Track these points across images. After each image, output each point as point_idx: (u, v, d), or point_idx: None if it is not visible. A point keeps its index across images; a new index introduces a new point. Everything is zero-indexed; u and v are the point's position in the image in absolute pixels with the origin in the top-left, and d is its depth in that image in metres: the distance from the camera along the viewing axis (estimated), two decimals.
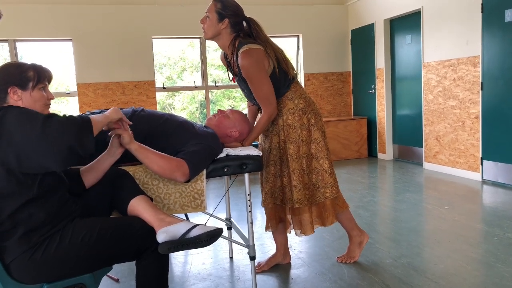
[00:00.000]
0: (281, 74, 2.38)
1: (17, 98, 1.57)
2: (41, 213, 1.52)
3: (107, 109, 1.78)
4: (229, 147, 2.32)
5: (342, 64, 7.16)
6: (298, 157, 2.42)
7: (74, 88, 6.05)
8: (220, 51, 2.59)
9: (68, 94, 6.13)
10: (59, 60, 6.56)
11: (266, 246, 3.07)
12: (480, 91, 4.64)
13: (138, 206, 1.75)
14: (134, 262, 1.71)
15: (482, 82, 4.62)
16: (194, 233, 1.68)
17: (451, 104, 5.10)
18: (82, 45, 5.92)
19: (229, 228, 2.95)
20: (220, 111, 2.38)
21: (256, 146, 2.61)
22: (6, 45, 5.77)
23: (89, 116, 1.59)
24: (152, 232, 1.67)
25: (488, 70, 4.54)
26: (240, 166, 2.10)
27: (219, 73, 8.21)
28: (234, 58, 2.37)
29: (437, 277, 2.42)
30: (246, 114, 2.54)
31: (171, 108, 8.82)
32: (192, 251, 3.02)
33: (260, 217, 3.76)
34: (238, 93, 8.71)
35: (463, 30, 4.83)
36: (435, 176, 5.14)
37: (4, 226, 1.50)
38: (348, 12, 7.08)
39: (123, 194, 1.78)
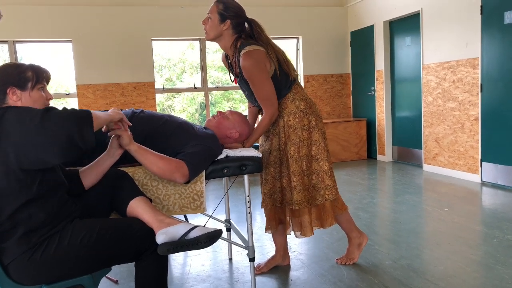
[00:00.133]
0: (282, 76, 2.39)
1: (16, 98, 1.58)
2: (41, 214, 1.52)
3: (107, 111, 1.78)
4: (229, 148, 2.31)
5: (342, 66, 7.17)
6: (299, 159, 2.42)
7: (73, 89, 6.05)
8: (221, 53, 2.60)
9: (67, 95, 6.13)
10: (58, 61, 6.56)
11: (266, 248, 3.07)
12: (480, 93, 4.65)
13: (137, 207, 1.75)
14: (133, 264, 1.71)
15: (481, 84, 4.62)
16: (194, 234, 1.68)
17: (450, 106, 5.10)
18: (81, 46, 5.92)
19: (228, 230, 2.95)
20: (219, 112, 2.38)
21: (257, 147, 2.60)
22: (5, 46, 5.78)
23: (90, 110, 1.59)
24: (151, 233, 1.67)
25: (488, 72, 4.55)
26: (239, 167, 2.10)
27: (218, 75, 8.21)
28: (236, 59, 2.38)
29: (437, 279, 2.42)
30: (246, 116, 2.54)
31: (170, 110, 8.81)
32: (191, 253, 3.01)
33: (259, 218, 3.76)
34: (237, 94, 8.71)
35: (462, 32, 4.84)
36: (435, 178, 5.14)
37: (3, 227, 1.49)
38: (347, 14, 7.09)
39: (122, 195, 1.78)
